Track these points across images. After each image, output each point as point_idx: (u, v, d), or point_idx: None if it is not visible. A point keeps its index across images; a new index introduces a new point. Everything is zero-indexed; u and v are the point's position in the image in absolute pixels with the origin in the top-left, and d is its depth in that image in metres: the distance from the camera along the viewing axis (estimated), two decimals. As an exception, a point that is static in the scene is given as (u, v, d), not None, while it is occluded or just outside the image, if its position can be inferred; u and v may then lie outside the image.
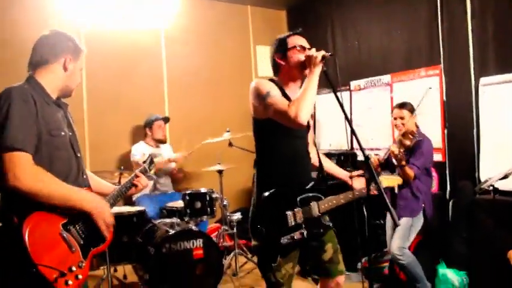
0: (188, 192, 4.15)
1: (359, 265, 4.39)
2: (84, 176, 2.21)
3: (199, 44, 5.77)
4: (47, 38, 2.13)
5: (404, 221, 3.72)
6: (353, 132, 2.25)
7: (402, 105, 3.88)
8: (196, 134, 5.39)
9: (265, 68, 6.19)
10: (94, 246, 2.08)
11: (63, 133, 2.06)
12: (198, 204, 4.10)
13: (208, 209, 4.12)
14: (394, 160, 3.64)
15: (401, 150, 3.51)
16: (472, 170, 4.17)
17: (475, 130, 4.19)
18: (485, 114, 4.12)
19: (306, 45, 2.56)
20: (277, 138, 2.45)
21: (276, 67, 2.59)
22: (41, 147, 1.94)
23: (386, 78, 5.09)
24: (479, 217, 3.92)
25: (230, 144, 4.63)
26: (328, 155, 4.75)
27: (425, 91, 4.18)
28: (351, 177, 2.61)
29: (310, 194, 2.45)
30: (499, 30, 4.01)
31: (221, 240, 4.65)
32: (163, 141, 5.07)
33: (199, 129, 5.50)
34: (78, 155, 2.19)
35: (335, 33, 5.79)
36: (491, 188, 3.84)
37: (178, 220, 4.02)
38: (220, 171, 4.61)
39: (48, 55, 2.09)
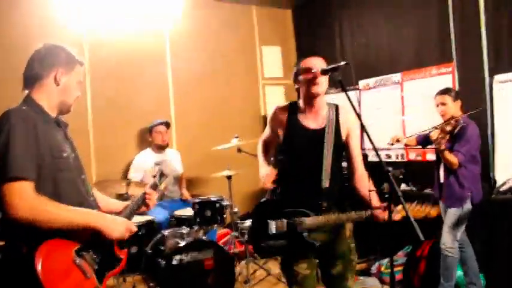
0: (198, 200, 4.07)
1: (373, 269, 4.30)
2: (92, 198, 2.12)
3: (204, 45, 5.67)
4: (38, 52, 2.01)
5: (453, 211, 3.64)
6: (369, 137, 2.22)
7: (444, 91, 3.76)
8: (204, 139, 5.31)
9: (271, 69, 6.10)
10: (109, 270, 2.02)
11: (65, 154, 1.96)
12: (208, 213, 4.01)
13: (219, 217, 4.04)
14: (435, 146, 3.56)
15: (441, 135, 3.43)
16: (487, 169, 4.06)
17: (489, 129, 4.08)
18: (500, 112, 4.02)
19: (315, 66, 2.54)
20: (283, 155, 2.72)
21: (297, 91, 2.70)
22: (44, 170, 1.84)
23: (396, 76, 4.98)
24: (496, 217, 3.83)
25: (239, 150, 4.54)
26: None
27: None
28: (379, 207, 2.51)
29: (299, 209, 2.53)
30: (514, 25, 3.91)
31: (231, 246, 4.57)
32: (163, 147, 4.98)
33: (206, 134, 5.42)
34: (83, 176, 2.09)
35: (342, 31, 5.67)
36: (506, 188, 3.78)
37: (188, 229, 3.92)
38: (229, 177, 4.52)
39: (39, 69, 1.96)
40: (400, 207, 2.43)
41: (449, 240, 3.64)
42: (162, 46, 5.42)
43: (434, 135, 3.48)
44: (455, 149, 3.55)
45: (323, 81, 2.54)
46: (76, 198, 1.97)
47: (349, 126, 2.64)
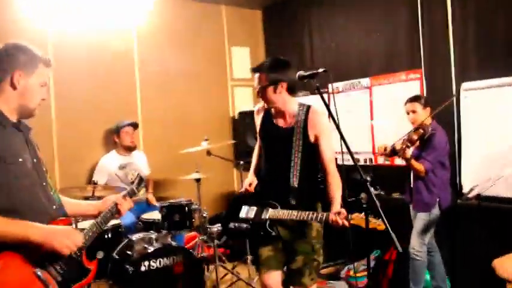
0: (166, 204, 3.96)
1: (342, 274, 4.32)
2: (55, 206, 2.00)
3: (173, 45, 5.54)
4: None
5: (421, 216, 3.71)
6: (345, 143, 2.30)
7: (414, 99, 3.81)
8: (172, 140, 5.22)
9: (240, 70, 6.02)
10: (75, 282, 1.94)
11: (20, 159, 1.85)
12: (177, 217, 3.90)
13: (187, 221, 3.94)
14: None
15: (404, 146, 3.48)
16: (453, 175, 4.15)
17: (456, 135, 4.16)
18: (467, 119, 4.10)
19: (255, 83, 2.78)
20: (263, 153, 2.95)
21: None
22: None
23: (365, 81, 5.02)
24: (462, 222, 3.92)
25: (209, 153, 4.46)
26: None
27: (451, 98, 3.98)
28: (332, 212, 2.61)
29: (270, 201, 2.74)
30: (480, 34, 3.99)
31: (199, 250, 4.50)
32: (132, 148, 4.86)
33: (174, 135, 5.32)
34: (44, 183, 1.97)
35: (312, 34, 5.66)
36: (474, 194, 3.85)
37: (156, 234, 3.82)
38: (198, 180, 4.43)
39: None
40: (354, 215, 2.55)
41: (418, 244, 3.70)
42: (129, 44, 5.26)
43: (398, 146, 3.53)
44: (422, 157, 3.61)
45: (267, 94, 2.70)
46: (34, 206, 1.87)
47: (318, 127, 2.71)
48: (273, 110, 2.82)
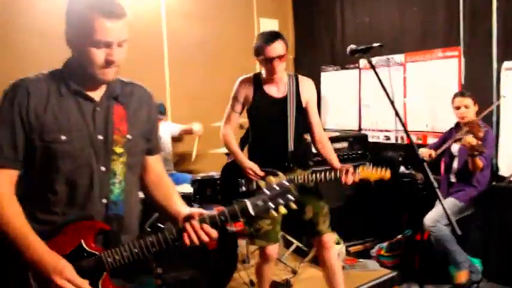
0: (198, 178, 3.93)
1: (372, 252, 4.29)
2: (104, 201, 1.60)
3: (202, 16, 5.43)
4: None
5: (455, 202, 3.66)
6: (400, 119, 2.23)
7: (464, 94, 3.75)
8: (199, 112, 5.15)
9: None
10: None
11: (64, 137, 1.52)
12: (208, 191, 3.89)
13: (219, 195, 3.91)
14: (469, 151, 3.43)
15: (478, 141, 3.34)
16: (490, 156, 4.06)
17: (494, 116, 4.05)
18: (507, 100, 3.98)
19: (275, 54, 2.77)
20: (251, 123, 3.04)
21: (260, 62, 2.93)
22: (34, 156, 1.53)
23: (399, 57, 4.88)
24: (497, 205, 3.84)
25: (241, 127, 4.40)
26: (338, 138, 4.59)
27: (497, 102, 3.94)
28: (341, 170, 2.80)
29: (269, 169, 2.84)
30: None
31: (228, 224, 4.48)
32: None
33: (202, 107, 5.25)
34: (104, 168, 1.59)
35: (344, 7, 5.51)
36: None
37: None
38: (228, 154, 4.38)
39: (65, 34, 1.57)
40: (359, 168, 2.76)
41: (429, 218, 3.64)
42: (158, 15, 5.16)
43: (473, 141, 3.30)
44: None
45: (282, 65, 2.81)
46: (71, 195, 1.56)
47: (308, 94, 2.95)
48: (265, 77, 2.90)
